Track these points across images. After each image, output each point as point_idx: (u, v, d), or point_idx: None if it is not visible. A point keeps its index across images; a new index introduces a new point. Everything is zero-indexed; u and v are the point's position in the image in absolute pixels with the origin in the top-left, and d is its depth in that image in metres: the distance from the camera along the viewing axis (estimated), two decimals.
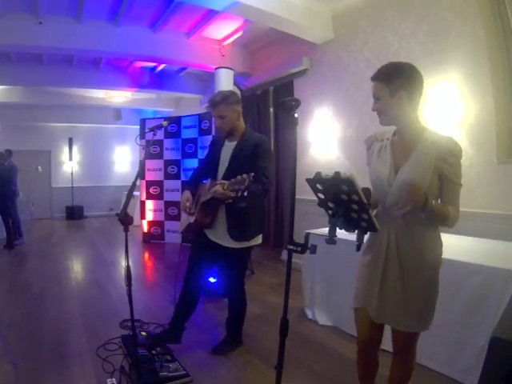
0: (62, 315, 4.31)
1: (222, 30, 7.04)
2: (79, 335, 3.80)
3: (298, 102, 1.83)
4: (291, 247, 1.79)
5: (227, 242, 3.19)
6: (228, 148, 3.24)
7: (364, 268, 2.14)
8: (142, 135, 7.90)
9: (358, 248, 1.83)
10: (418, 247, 1.94)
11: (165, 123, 3.07)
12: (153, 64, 9.07)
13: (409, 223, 1.92)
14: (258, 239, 3.34)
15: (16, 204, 8.67)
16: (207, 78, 9.69)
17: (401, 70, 1.92)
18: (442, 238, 2.02)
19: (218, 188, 2.85)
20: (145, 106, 12.75)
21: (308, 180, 1.71)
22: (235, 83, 5.41)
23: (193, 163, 7.97)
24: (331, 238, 1.73)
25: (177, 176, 8.51)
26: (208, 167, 3.42)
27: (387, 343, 2.22)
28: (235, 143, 3.21)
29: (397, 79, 1.89)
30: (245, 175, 2.68)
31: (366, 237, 2.04)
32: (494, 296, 2.65)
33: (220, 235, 3.22)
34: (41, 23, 5.91)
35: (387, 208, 1.97)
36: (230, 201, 2.95)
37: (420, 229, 1.93)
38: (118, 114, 13.88)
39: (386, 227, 1.96)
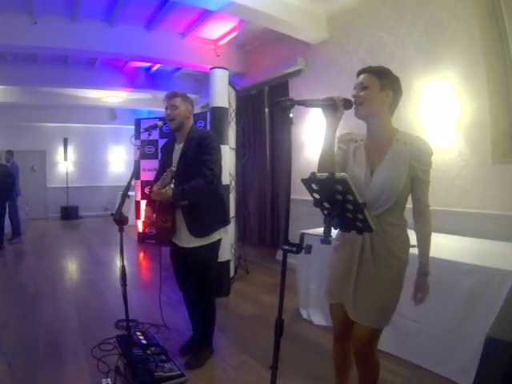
0: (57, 315, 4.30)
1: (217, 30, 7.04)
2: (74, 335, 3.79)
3: (293, 102, 1.83)
4: (286, 247, 1.78)
5: (191, 242, 3.15)
6: (178, 150, 3.23)
7: (336, 265, 2.17)
8: (137, 135, 7.90)
9: (324, 241, 1.78)
10: (390, 246, 1.99)
11: (159, 123, 3.07)
12: (148, 64, 9.07)
13: (382, 223, 1.97)
14: (221, 233, 3.31)
15: (17, 203, 8.84)
16: (202, 78, 9.69)
17: (391, 72, 2.03)
18: (438, 238, 2.04)
19: (154, 189, 2.90)
20: (140, 106, 12.72)
21: (303, 180, 1.71)
22: (230, 83, 5.40)
23: None
24: (326, 238, 1.72)
25: None
26: (162, 173, 3.41)
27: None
28: (183, 144, 3.22)
29: (387, 77, 2.00)
30: (168, 169, 2.82)
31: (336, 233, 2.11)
32: (489, 296, 2.66)
33: (183, 237, 3.18)
34: (36, 23, 5.90)
35: None
36: (171, 200, 2.92)
37: (392, 229, 1.99)
38: (113, 114, 13.86)
39: None
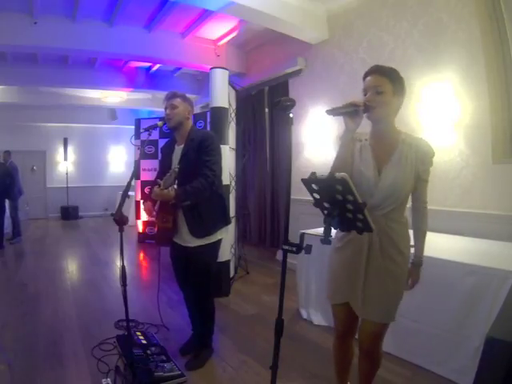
0: (56, 315, 4.29)
1: (217, 30, 7.04)
2: (74, 335, 3.78)
3: (293, 102, 1.82)
4: (286, 247, 1.78)
5: (192, 242, 3.14)
6: (178, 152, 3.22)
7: (341, 266, 2.18)
8: (137, 135, 7.89)
9: (324, 241, 1.78)
10: (396, 243, 2.04)
11: (160, 123, 3.06)
12: (148, 64, 9.07)
13: (388, 221, 2.03)
14: (222, 233, 3.30)
15: (17, 203, 8.85)
16: (202, 78, 9.69)
17: (399, 73, 2.05)
18: (438, 238, 2.07)
19: (156, 190, 2.88)
20: (140, 106, 12.72)
21: (303, 180, 1.70)
22: (230, 83, 5.40)
23: None
24: (326, 238, 1.72)
25: None
26: (162, 174, 3.39)
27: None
28: (183, 146, 3.21)
29: (398, 81, 2.02)
30: (170, 170, 2.82)
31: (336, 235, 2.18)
32: (488, 296, 2.65)
33: (184, 237, 3.18)
34: (36, 23, 5.90)
35: (370, 208, 1.97)
36: (174, 201, 2.92)
37: (396, 225, 2.06)
38: (113, 114, 13.86)
39: None
